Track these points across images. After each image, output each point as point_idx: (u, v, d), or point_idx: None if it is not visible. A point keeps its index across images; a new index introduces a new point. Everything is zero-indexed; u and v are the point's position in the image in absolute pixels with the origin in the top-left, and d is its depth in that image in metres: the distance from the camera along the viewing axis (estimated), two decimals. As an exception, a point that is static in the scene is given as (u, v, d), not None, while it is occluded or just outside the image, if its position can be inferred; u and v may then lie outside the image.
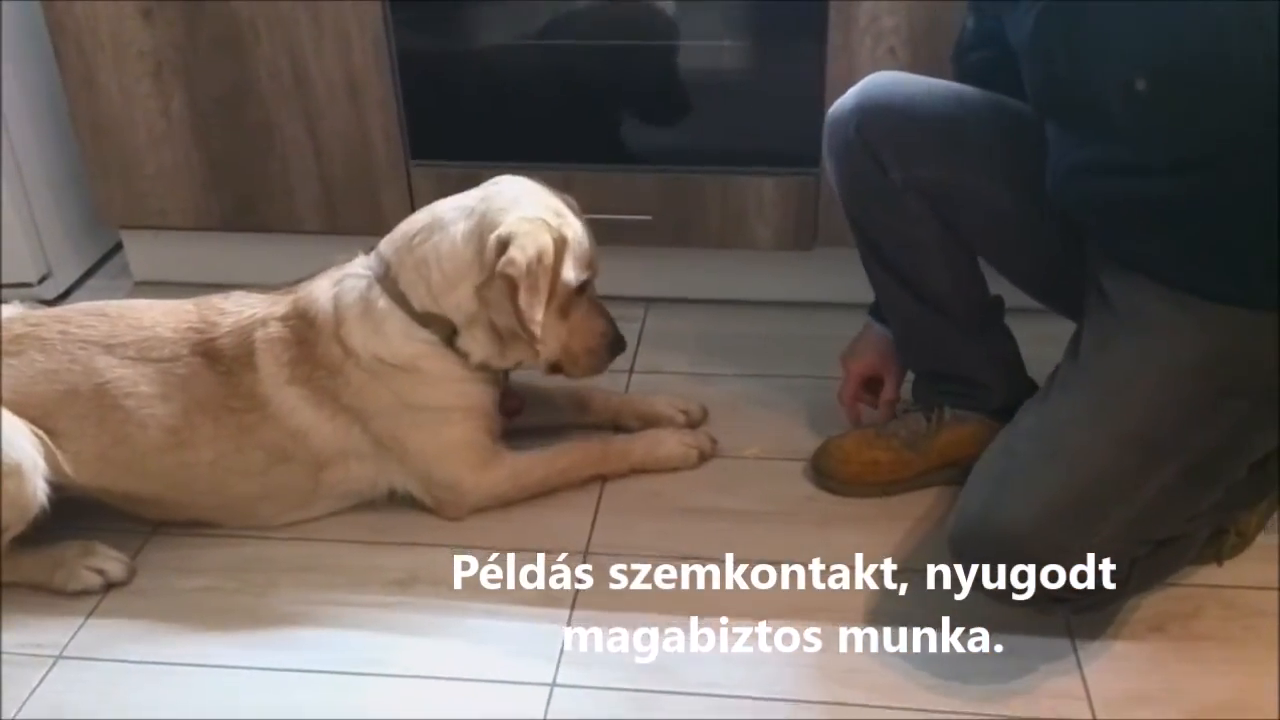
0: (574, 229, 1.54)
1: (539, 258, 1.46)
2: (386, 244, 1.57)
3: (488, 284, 1.50)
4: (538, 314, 1.47)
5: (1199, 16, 1.13)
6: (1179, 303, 1.28)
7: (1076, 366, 1.35)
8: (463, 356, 1.57)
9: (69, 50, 2.03)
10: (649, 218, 2.02)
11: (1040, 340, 1.60)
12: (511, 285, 1.46)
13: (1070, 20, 1.25)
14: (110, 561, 1.52)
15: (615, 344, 1.62)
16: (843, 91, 1.73)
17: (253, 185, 2.11)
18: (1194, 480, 1.27)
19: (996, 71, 1.44)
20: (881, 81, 1.49)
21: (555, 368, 1.61)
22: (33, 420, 1.45)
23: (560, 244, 1.49)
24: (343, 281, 1.58)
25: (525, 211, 1.50)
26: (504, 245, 1.46)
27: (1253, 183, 1.18)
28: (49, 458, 1.45)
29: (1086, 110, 1.27)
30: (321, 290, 1.58)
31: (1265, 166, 1.16)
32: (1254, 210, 1.20)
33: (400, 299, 1.54)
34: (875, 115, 1.46)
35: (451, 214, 1.54)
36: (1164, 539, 1.31)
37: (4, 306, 1.58)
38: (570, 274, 1.52)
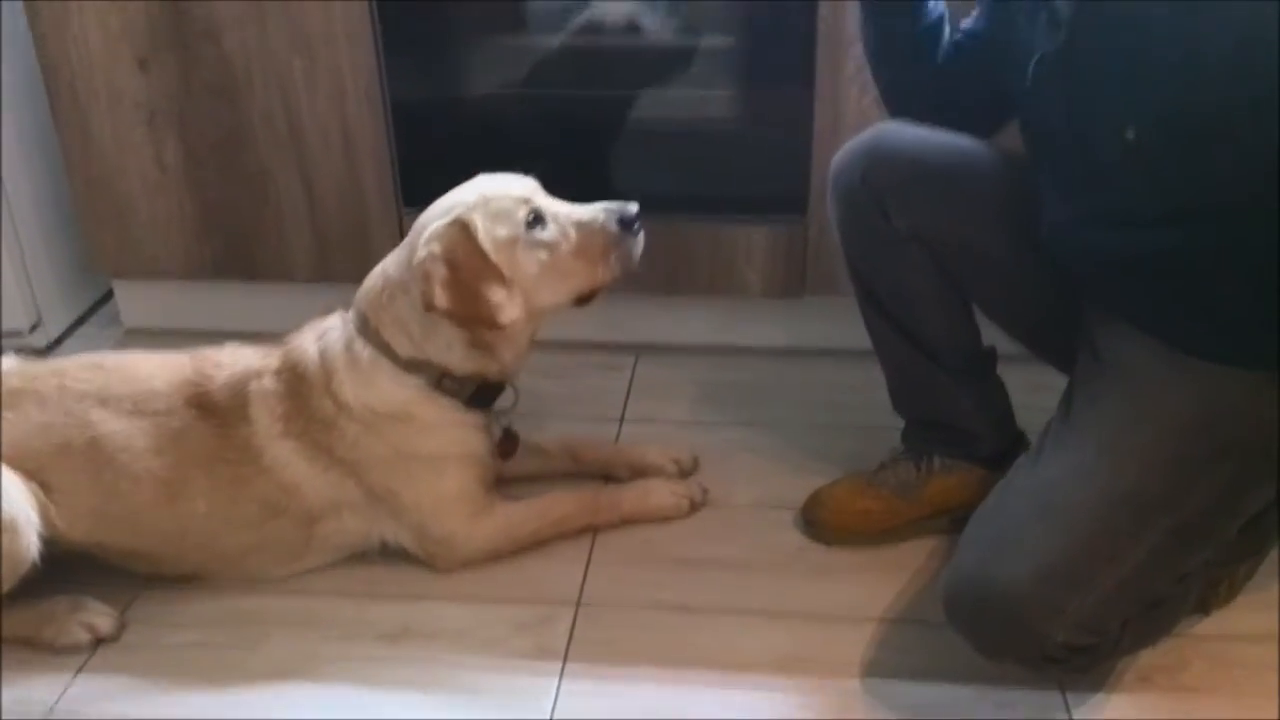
0: (475, 196, 1.50)
1: (451, 262, 1.45)
2: (360, 299, 1.58)
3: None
4: (495, 296, 1.45)
5: (1185, 67, 1.15)
6: (1170, 360, 1.30)
7: (1069, 423, 1.36)
8: (462, 389, 1.56)
9: (63, 99, 2.04)
10: (639, 266, 2.04)
11: (1031, 389, 1.62)
12: (447, 314, 1.46)
13: (1066, 69, 1.28)
14: (100, 616, 1.51)
15: (618, 222, 1.51)
16: (831, 140, 1.77)
17: (245, 233, 2.12)
18: (1185, 540, 1.28)
19: (962, 56, 1.49)
20: (888, 131, 1.51)
21: (583, 297, 1.55)
22: (28, 474, 1.45)
23: (463, 226, 1.46)
24: (326, 335, 1.58)
25: (430, 232, 1.49)
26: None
27: (1242, 238, 1.21)
28: (43, 513, 1.44)
29: (1082, 160, 1.30)
30: (308, 345, 1.58)
31: (1254, 222, 1.19)
32: (1243, 267, 1.22)
33: (385, 349, 1.54)
34: (881, 163, 1.48)
35: (399, 273, 1.53)
36: (1155, 599, 1.32)
37: (1, 359, 1.58)
38: (498, 232, 1.47)
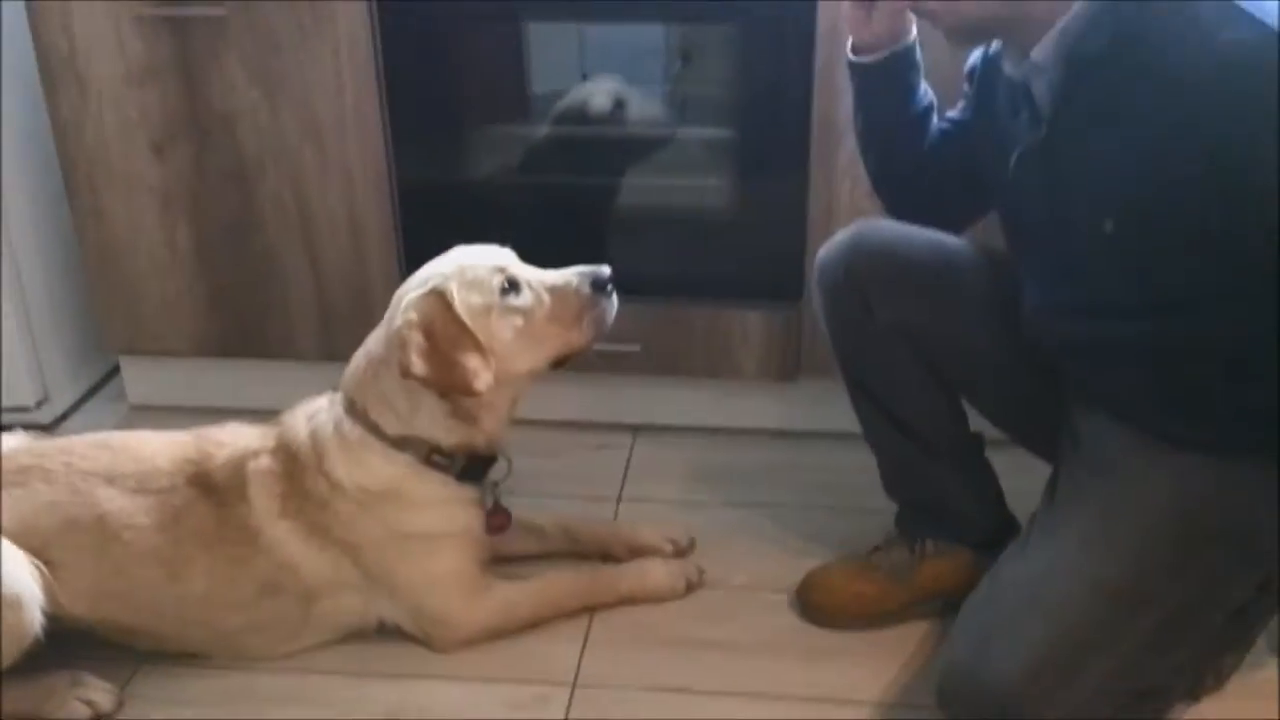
0: (451, 267, 1.53)
1: (429, 332, 1.47)
2: (347, 381, 1.60)
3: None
4: (472, 363, 1.47)
5: (1159, 163, 1.19)
6: (1149, 450, 1.32)
7: (1053, 515, 1.38)
8: (453, 463, 1.58)
9: (79, 181, 2.09)
10: (637, 348, 2.08)
11: (1020, 472, 1.63)
12: (423, 382, 1.48)
13: (1047, 163, 1.33)
14: (99, 692, 1.51)
15: (591, 284, 1.54)
16: (824, 229, 1.82)
17: (252, 313, 2.16)
18: (1173, 630, 1.30)
19: (947, 142, 1.55)
20: (869, 227, 1.57)
21: (559, 361, 1.58)
22: (33, 551, 1.47)
23: (439, 296, 1.49)
24: (316, 417, 1.61)
25: (408, 301, 1.51)
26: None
27: (1218, 329, 1.24)
28: (47, 589, 1.46)
29: (1061, 251, 1.35)
30: (299, 426, 1.60)
31: (1231, 314, 1.22)
32: (1219, 357, 1.26)
33: (373, 428, 1.56)
34: (863, 258, 1.53)
35: (380, 349, 1.56)
36: (1145, 690, 1.33)
37: (9, 436, 1.61)
38: (473, 300, 1.50)
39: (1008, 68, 1.37)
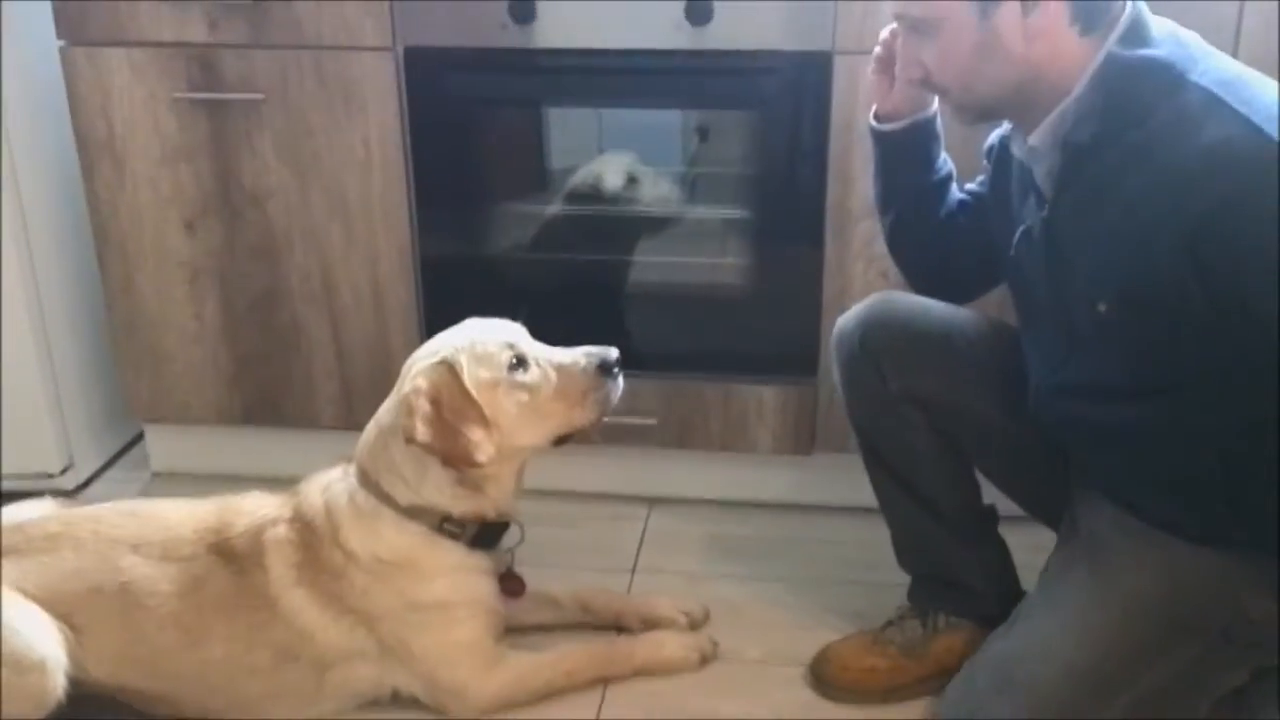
0: (461, 339, 1.57)
1: (436, 400, 1.50)
2: (359, 453, 1.64)
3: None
4: (475, 435, 1.50)
5: (1146, 250, 1.22)
6: (1140, 535, 1.34)
7: (1042, 594, 1.40)
8: (464, 532, 1.60)
9: (112, 256, 2.15)
10: (653, 421, 2.11)
11: (1034, 549, 1.64)
12: (426, 449, 1.51)
13: (1046, 243, 1.36)
14: (119, 760, 1.53)
15: (599, 368, 1.58)
16: (838, 307, 1.85)
17: (275, 383, 2.20)
18: (1146, 714, 1.29)
19: (964, 211, 1.58)
20: (885, 300, 1.61)
21: (561, 438, 1.61)
22: (60, 617, 1.49)
23: (449, 368, 1.53)
24: (330, 488, 1.64)
25: (417, 369, 1.55)
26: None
27: (1206, 416, 1.26)
28: (71, 654, 1.48)
29: (1060, 330, 1.38)
30: (314, 497, 1.63)
31: (1217, 401, 1.24)
32: (1208, 444, 1.27)
33: (386, 498, 1.59)
34: (877, 330, 1.57)
35: (389, 418, 1.60)
36: None
37: (39, 503, 1.64)
38: (481, 374, 1.54)
39: (1015, 149, 1.41)
